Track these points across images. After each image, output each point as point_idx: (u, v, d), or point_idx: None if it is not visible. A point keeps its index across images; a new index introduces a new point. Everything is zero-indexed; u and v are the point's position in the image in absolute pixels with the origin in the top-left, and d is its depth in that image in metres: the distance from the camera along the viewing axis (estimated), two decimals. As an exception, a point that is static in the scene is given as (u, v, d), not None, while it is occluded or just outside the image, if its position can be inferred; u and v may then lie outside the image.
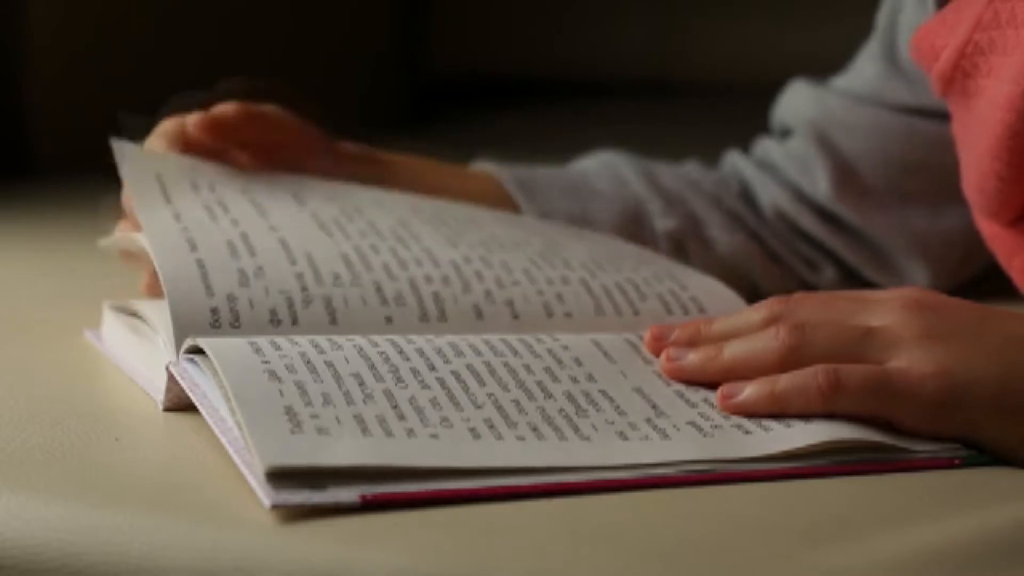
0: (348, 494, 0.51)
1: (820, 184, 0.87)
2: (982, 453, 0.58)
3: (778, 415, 0.59)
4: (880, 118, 0.87)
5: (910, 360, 0.58)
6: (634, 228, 0.87)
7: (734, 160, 0.93)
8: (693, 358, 0.62)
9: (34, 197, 1.28)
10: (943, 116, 0.84)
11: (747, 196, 0.90)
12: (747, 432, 0.58)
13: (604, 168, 0.91)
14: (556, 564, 0.48)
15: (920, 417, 0.58)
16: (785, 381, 0.59)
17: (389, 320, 0.68)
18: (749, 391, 0.59)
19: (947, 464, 0.57)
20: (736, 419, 0.59)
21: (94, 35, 1.57)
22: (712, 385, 0.62)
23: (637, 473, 0.55)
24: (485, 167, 0.90)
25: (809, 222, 0.88)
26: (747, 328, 0.62)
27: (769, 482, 0.55)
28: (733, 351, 0.61)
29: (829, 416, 0.59)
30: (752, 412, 0.59)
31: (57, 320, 0.77)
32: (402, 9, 2.11)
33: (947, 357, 0.57)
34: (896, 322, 0.59)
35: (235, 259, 0.69)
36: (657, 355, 0.64)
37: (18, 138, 1.47)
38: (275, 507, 0.50)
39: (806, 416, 0.58)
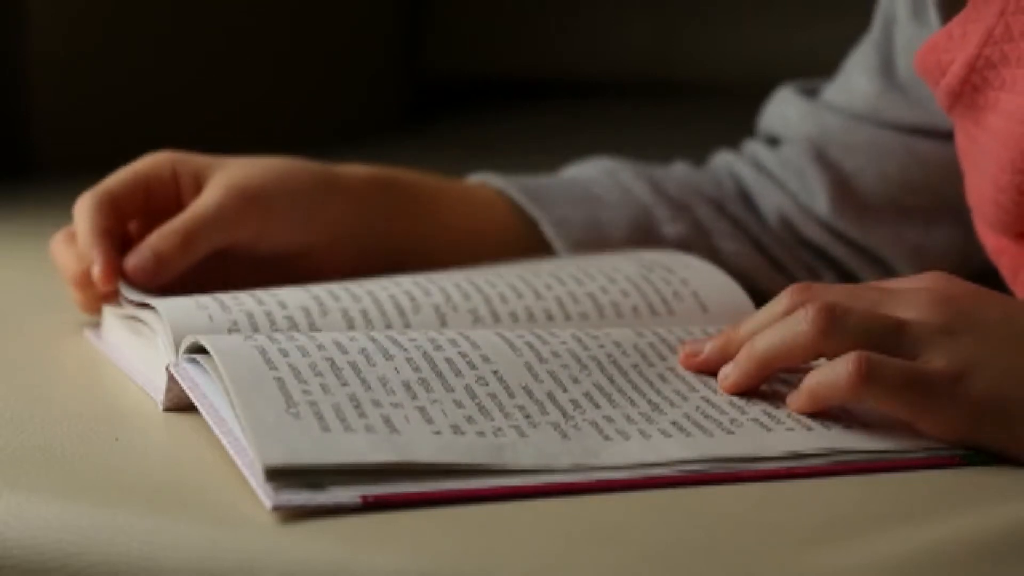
0: (348, 495, 0.51)
1: (819, 199, 0.87)
2: (981, 452, 0.58)
3: (810, 409, 0.59)
4: (878, 137, 0.87)
5: (949, 360, 0.57)
6: (643, 235, 0.86)
7: (729, 162, 0.93)
8: (735, 371, 0.61)
9: (34, 197, 1.28)
10: (941, 136, 0.84)
11: (747, 202, 0.90)
12: (746, 431, 0.58)
13: (605, 175, 0.89)
14: (556, 564, 0.48)
15: (955, 422, 0.57)
16: (817, 376, 0.58)
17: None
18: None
19: (947, 463, 0.57)
20: (733, 414, 0.59)
21: (96, 35, 1.57)
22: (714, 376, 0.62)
23: (636, 473, 0.55)
24: (483, 179, 0.88)
25: (813, 231, 0.88)
26: (772, 321, 0.61)
27: (769, 482, 0.55)
28: (767, 340, 0.59)
29: (836, 419, 0.59)
30: (793, 409, 0.59)
31: (57, 320, 0.77)
32: (402, 9, 2.11)
33: (990, 359, 0.57)
34: (927, 316, 0.58)
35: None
36: (694, 370, 0.63)
37: (19, 138, 1.47)
38: (276, 508, 0.50)
39: (828, 407, 0.59)
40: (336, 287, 0.70)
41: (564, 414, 0.58)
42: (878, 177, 0.87)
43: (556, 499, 0.53)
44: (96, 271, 0.72)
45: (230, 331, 0.66)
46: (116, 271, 0.73)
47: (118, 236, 0.76)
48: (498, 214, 0.86)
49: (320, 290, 0.70)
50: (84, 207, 0.75)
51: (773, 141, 0.92)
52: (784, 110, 0.91)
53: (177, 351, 0.63)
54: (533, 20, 2.31)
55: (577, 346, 0.64)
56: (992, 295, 0.60)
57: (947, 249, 0.87)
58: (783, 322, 0.59)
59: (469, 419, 0.56)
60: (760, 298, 0.71)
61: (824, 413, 0.59)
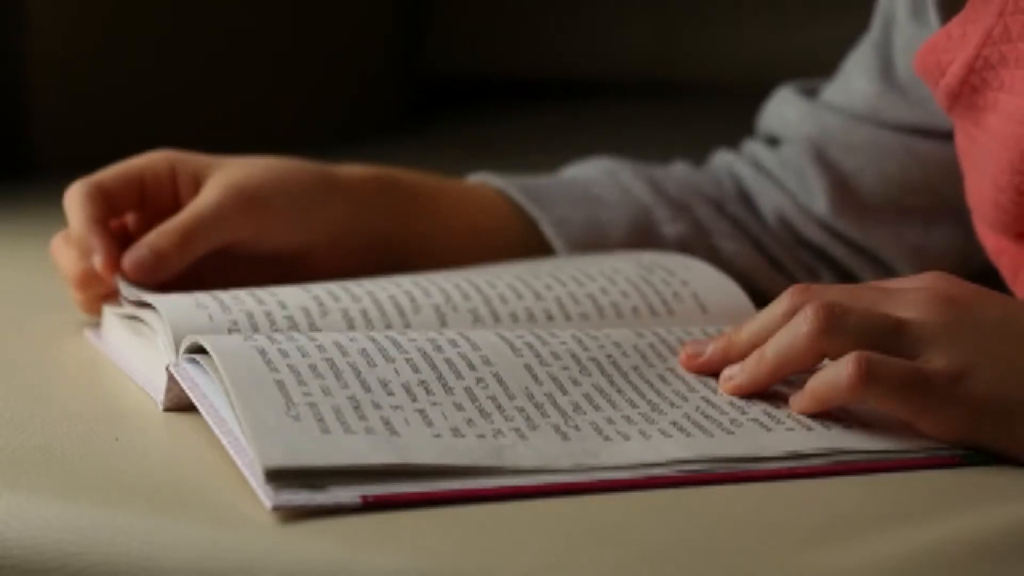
0: (349, 495, 0.51)
1: (818, 199, 0.87)
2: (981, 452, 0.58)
3: (812, 410, 0.59)
4: (878, 138, 0.87)
5: (950, 360, 0.57)
6: (642, 235, 0.86)
7: (729, 162, 0.93)
8: (744, 375, 0.61)
9: (34, 197, 1.28)
10: (941, 136, 0.84)
11: (747, 202, 0.90)
12: (746, 431, 0.58)
13: (605, 175, 0.89)
14: (556, 564, 0.48)
15: (955, 422, 0.57)
16: (818, 376, 0.58)
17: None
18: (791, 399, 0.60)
19: (947, 463, 0.57)
20: (733, 414, 0.59)
21: (96, 35, 1.57)
22: (714, 376, 0.62)
23: (636, 473, 0.55)
24: (483, 179, 0.88)
25: (812, 231, 0.88)
26: (773, 322, 0.61)
27: (769, 482, 0.55)
28: (776, 349, 0.60)
29: (836, 419, 0.59)
30: (796, 411, 0.59)
31: (57, 320, 0.77)
32: (402, 9, 2.11)
33: (990, 359, 0.57)
34: (927, 316, 0.58)
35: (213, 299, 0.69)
36: (695, 371, 0.63)
37: (19, 138, 1.47)
38: (276, 508, 0.50)
39: (830, 408, 0.59)
40: (336, 287, 0.70)
41: (564, 416, 0.58)
42: (878, 177, 0.87)
43: (556, 499, 0.53)
44: (97, 260, 0.73)
45: (230, 331, 0.66)
46: (117, 259, 0.73)
47: (114, 228, 0.76)
48: (498, 214, 0.86)
49: (320, 290, 0.70)
50: (74, 197, 0.75)
51: (773, 141, 0.92)
52: (784, 110, 0.91)
53: (177, 351, 0.63)
54: (533, 20, 2.31)
55: (577, 347, 0.64)
56: (992, 295, 0.60)
57: (947, 249, 0.87)
58: (786, 327, 0.60)
59: (469, 422, 0.56)
60: (760, 298, 0.71)
61: (824, 413, 0.59)
